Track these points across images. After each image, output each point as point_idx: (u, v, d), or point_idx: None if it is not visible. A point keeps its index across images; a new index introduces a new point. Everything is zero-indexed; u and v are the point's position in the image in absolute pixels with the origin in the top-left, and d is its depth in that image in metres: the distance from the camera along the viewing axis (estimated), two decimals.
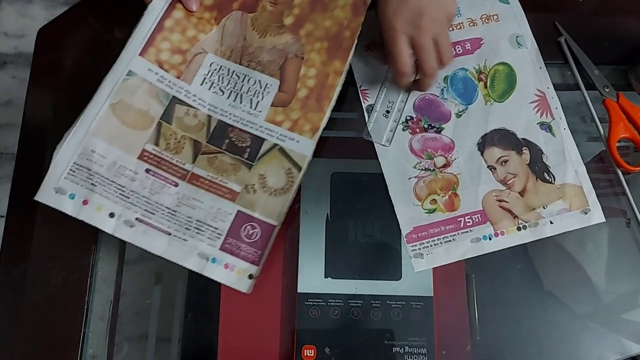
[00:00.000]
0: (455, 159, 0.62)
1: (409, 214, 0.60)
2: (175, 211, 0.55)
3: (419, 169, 0.62)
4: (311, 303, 0.59)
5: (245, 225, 0.56)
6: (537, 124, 0.63)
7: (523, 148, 0.62)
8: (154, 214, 0.55)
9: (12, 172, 1.21)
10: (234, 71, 0.61)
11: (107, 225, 0.54)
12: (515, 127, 0.63)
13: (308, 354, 0.57)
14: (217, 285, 0.59)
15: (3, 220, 1.18)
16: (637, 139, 0.63)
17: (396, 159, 0.62)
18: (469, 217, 0.60)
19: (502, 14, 0.67)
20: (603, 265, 0.64)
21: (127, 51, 0.58)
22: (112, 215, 0.54)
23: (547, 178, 0.62)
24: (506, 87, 0.65)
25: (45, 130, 0.62)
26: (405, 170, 0.62)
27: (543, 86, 0.64)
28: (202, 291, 0.61)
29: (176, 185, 0.56)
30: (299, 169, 0.58)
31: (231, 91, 0.60)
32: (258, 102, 0.60)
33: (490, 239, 0.60)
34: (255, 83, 0.60)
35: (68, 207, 0.54)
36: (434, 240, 0.60)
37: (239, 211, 0.56)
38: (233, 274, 0.55)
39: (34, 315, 0.57)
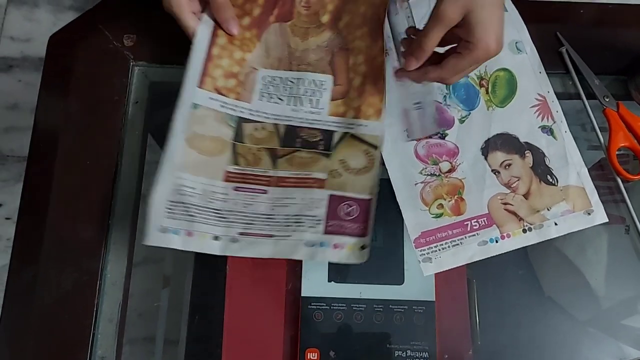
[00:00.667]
0: (459, 163, 0.63)
1: (416, 219, 0.61)
2: (271, 215, 0.56)
3: (424, 175, 0.62)
4: (315, 307, 0.59)
5: (341, 205, 0.57)
6: (539, 127, 0.64)
7: (526, 151, 0.63)
8: (253, 224, 0.56)
9: (18, 175, 1.23)
10: (286, 78, 0.62)
11: (215, 249, 0.55)
12: (518, 131, 0.64)
13: (311, 357, 0.58)
14: (222, 288, 0.60)
15: (9, 223, 1.19)
16: (636, 148, 0.63)
17: (402, 165, 0.62)
18: (475, 220, 0.61)
19: None
20: (602, 271, 0.65)
21: (186, 86, 0.59)
22: (216, 238, 0.55)
23: (550, 180, 0.62)
24: (507, 92, 0.65)
25: (56, 135, 0.62)
26: (411, 176, 0.62)
27: (543, 90, 0.65)
28: (207, 294, 0.62)
29: (265, 192, 0.57)
30: (375, 147, 0.59)
31: (289, 97, 0.61)
32: (318, 100, 0.61)
33: (497, 241, 0.60)
34: (310, 83, 0.61)
35: (177, 243, 0.54)
36: (442, 245, 0.60)
37: (330, 195, 0.57)
38: (344, 251, 0.55)
39: (44, 318, 0.57)
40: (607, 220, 0.61)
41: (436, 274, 0.60)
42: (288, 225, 0.56)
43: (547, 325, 0.62)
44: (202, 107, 0.59)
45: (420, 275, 0.59)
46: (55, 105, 0.64)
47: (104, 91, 0.64)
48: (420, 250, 0.60)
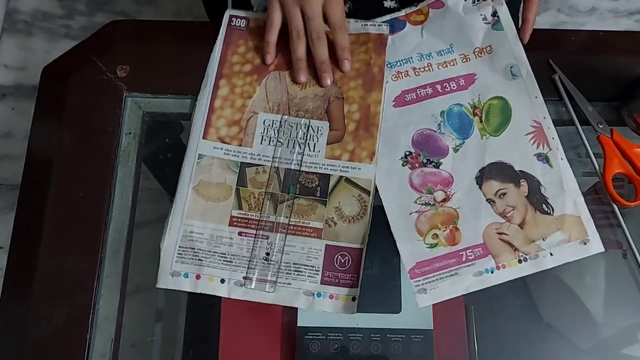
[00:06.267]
0: (454, 193, 0.62)
1: (411, 249, 0.60)
2: (273, 261, 0.61)
3: (419, 204, 0.62)
4: (311, 337, 0.59)
5: (336, 256, 0.61)
6: (534, 155, 0.63)
7: (521, 180, 0.63)
8: (255, 268, 0.60)
9: (10, 203, 1.23)
10: (285, 121, 0.66)
11: (221, 291, 0.59)
12: (512, 160, 0.63)
13: None
14: (216, 321, 0.60)
15: (1, 252, 1.17)
16: (631, 173, 0.63)
17: (397, 194, 0.62)
18: (470, 250, 0.60)
19: (495, 43, 0.68)
20: (600, 297, 0.65)
21: (192, 139, 0.64)
22: (222, 281, 0.60)
23: (546, 209, 0.61)
24: (501, 120, 0.65)
25: (49, 167, 0.62)
26: (406, 205, 0.62)
27: (539, 116, 0.65)
28: (202, 327, 0.62)
29: (267, 238, 0.61)
30: (368, 193, 0.63)
31: (288, 140, 0.65)
32: (315, 144, 0.65)
33: (492, 272, 0.59)
34: (308, 129, 0.65)
35: (186, 286, 0.59)
36: (438, 275, 0.59)
37: (327, 245, 0.62)
38: (338, 301, 0.60)
39: (36, 354, 0.56)
40: (604, 250, 0.60)
41: None
42: (289, 273, 0.60)
43: (546, 351, 0.62)
44: (207, 156, 0.64)
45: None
46: (49, 137, 0.64)
47: (97, 122, 0.64)
48: (416, 281, 0.59)
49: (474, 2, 0.69)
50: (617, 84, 0.67)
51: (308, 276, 0.60)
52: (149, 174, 0.72)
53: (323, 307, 0.59)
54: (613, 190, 0.62)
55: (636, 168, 0.63)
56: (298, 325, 0.59)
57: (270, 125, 0.65)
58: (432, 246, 0.60)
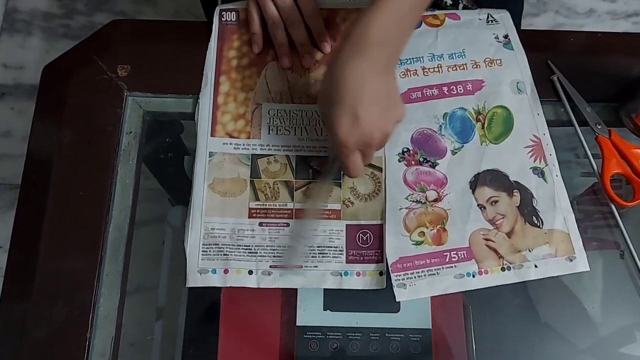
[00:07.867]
0: (446, 194, 0.63)
1: (396, 243, 0.60)
2: (297, 246, 0.61)
3: (410, 201, 0.62)
4: (310, 336, 0.59)
5: (357, 234, 0.62)
6: (530, 168, 0.63)
7: (514, 190, 0.63)
8: (282, 256, 0.61)
9: (10, 202, 1.23)
10: (290, 110, 0.66)
11: (250, 282, 0.60)
12: (508, 170, 0.63)
13: None
14: (216, 320, 0.60)
15: (1, 251, 1.17)
16: (629, 174, 0.63)
17: (389, 188, 0.63)
18: (454, 252, 0.60)
19: (505, 59, 0.68)
20: (598, 297, 0.65)
21: (200, 138, 0.65)
22: (250, 272, 0.60)
23: (536, 222, 0.61)
24: (503, 129, 0.65)
25: (50, 166, 0.62)
26: (397, 200, 0.62)
27: (539, 132, 0.65)
28: (202, 326, 0.62)
29: (288, 225, 0.62)
30: (380, 169, 0.64)
31: (295, 127, 0.65)
32: (322, 128, 0.66)
33: (473, 276, 0.59)
34: (312, 114, 0.66)
35: (215, 281, 0.60)
36: (418, 272, 0.59)
37: (347, 225, 0.62)
38: (366, 278, 0.60)
39: (36, 353, 0.56)
40: (589, 269, 0.60)
41: (432, 301, 0.60)
42: (314, 256, 0.61)
43: (544, 351, 0.62)
44: (217, 153, 0.64)
45: (416, 303, 0.59)
46: (49, 136, 0.64)
47: (98, 121, 0.64)
48: (396, 275, 0.59)
49: (487, 22, 0.70)
50: (615, 85, 0.67)
51: (333, 257, 0.61)
52: (148, 174, 0.72)
53: (351, 285, 0.60)
54: (611, 190, 0.62)
55: (634, 168, 0.64)
56: (297, 324, 0.59)
57: (276, 115, 0.66)
58: (418, 243, 0.61)
